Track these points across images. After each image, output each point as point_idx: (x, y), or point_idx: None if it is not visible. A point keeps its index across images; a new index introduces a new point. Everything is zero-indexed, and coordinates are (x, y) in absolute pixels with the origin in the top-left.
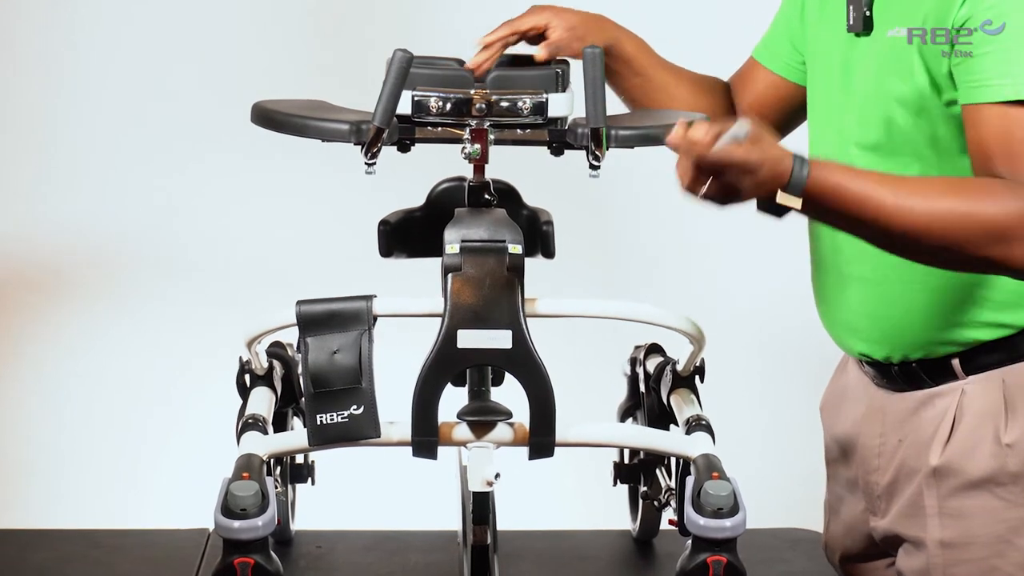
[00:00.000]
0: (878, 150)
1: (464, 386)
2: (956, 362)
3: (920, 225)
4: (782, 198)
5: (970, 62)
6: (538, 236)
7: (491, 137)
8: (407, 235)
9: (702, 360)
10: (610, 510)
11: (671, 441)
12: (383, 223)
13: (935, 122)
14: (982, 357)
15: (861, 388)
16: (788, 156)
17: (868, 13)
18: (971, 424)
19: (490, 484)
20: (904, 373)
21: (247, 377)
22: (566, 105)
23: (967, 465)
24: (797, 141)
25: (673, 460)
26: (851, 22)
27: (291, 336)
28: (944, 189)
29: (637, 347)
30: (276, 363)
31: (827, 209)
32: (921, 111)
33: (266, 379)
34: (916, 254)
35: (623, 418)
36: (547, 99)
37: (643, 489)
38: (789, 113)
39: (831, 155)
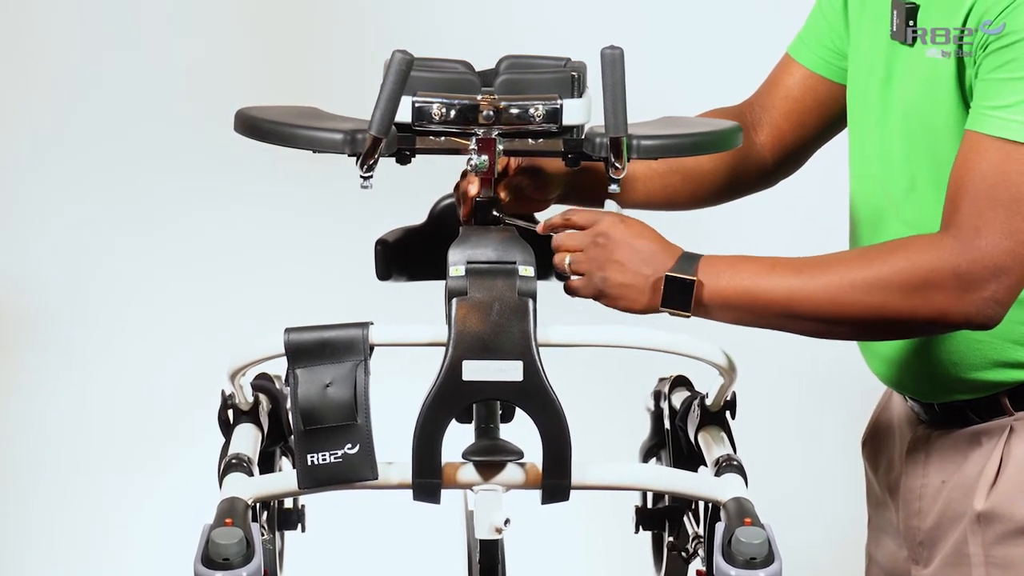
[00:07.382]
0: (917, 165)
1: (470, 423)
2: (1006, 399)
3: (833, 300)
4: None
5: (985, 85)
6: (551, 257)
7: (499, 147)
8: (407, 256)
9: (733, 394)
10: (631, 560)
11: (699, 483)
12: (380, 243)
13: None
14: None
15: (905, 423)
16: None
17: (912, 24)
18: (1019, 465)
19: (499, 531)
20: (948, 410)
21: (230, 413)
22: (582, 112)
23: (1015, 510)
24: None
25: (701, 505)
26: (894, 29)
27: (279, 367)
28: (850, 257)
29: (661, 380)
30: (262, 397)
31: (729, 312)
32: (956, 134)
33: (251, 415)
34: (842, 331)
35: (646, 458)
36: (561, 105)
37: (668, 538)
38: (829, 117)
39: (872, 169)
